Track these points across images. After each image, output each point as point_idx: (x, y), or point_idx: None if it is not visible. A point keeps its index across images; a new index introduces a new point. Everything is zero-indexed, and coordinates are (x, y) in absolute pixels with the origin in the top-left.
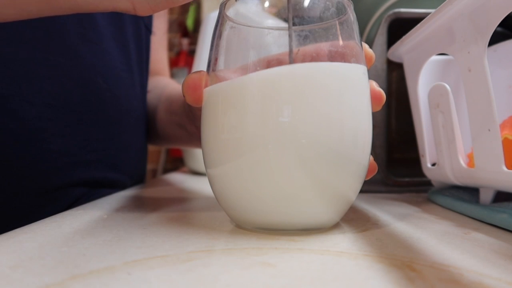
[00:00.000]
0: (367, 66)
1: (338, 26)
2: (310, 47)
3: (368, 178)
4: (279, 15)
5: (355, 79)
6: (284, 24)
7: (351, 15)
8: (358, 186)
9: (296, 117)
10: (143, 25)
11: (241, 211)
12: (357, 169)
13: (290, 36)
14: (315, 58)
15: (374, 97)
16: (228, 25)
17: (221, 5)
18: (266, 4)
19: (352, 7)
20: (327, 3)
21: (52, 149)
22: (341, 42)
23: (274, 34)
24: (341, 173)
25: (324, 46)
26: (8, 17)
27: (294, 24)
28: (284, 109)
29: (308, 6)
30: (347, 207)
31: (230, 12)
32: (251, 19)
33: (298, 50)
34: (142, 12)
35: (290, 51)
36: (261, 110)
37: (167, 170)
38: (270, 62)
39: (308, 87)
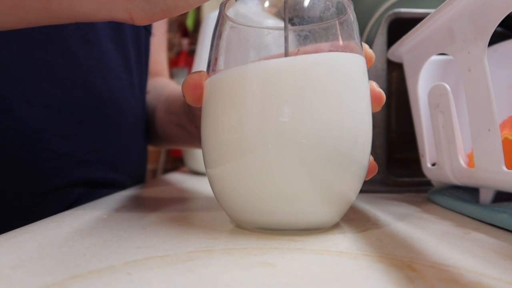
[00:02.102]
0: (367, 66)
1: (338, 26)
2: (310, 47)
3: (368, 178)
4: (279, 15)
5: (356, 72)
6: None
7: (351, 15)
8: (358, 186)
9: (296, 115)
10: (142, 27)
11: (241, 211)
12: (357, 169)
13: (286, 37)
14: None
15: (374, 97)
16: (228, 25)
17: (221, 5)
18: (266, 4)
19: (352, 7)
20: (327, 3)
21: (52, 149)
22: (341, 42)
23: (274, 34)
24: (341, 173)
25: (324, 46)
26: (6, 25)
27: (294, 24)
28: (284, 105)
29: (308, 6)
30: (347, 207)
31: (230, 12)
32: (251, 19)
33: (298, 50)
34: (139, 22)
35: (286, 52)
36: (261, 103)
37: (167, 170)
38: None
39: (308, 79)
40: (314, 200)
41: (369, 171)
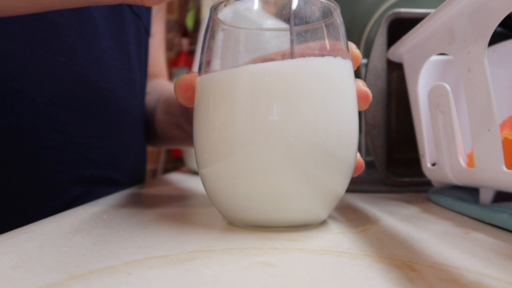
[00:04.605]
0: (353, 67)
1: (324, 28)
2: (297, 47)
3: (355, 175)
4: (278, 15)
5: (341, 74)
6: (281, 24)
7: (337, 18)
8: (345, 181)
9: (283, 117)
10: (143, 28)
11: (232, 209)
12: (343, 165)
13: (292, 40)
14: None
15: (360, 96)
16: (218, 27)
17: (211, 8)
18: (259, 6)
19: (338, 10)
20: (313, 7)
21: (52, 146)
22: (327, 43)
23: (266, 35)
24: (327, 170)
25: (312, 45)
26: (22, 10)
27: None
28: (272, 106)
29: (296, 9)
30: (335, 202)
31: (226, 12)
32: (250, 19)
33: (284, 53)
34: (149, 2)
35: (292, 53)
36: (251, 105)
37: (167, 170)
38: (263, 61)
39: (294, 82)
40: (302, 196)
41: (356, 168)
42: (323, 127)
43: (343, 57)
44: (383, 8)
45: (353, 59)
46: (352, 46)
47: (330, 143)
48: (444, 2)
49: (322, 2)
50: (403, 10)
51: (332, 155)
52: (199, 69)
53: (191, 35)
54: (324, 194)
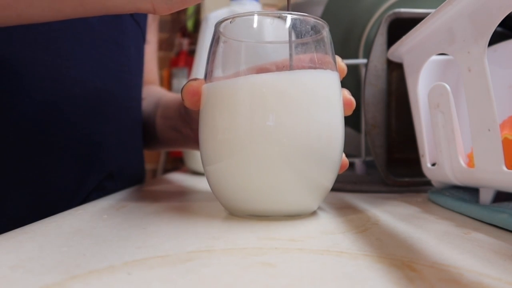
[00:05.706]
0: (340, 78)
1: (313, 44)
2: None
3: (341, 173)
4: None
5: (330, 85)
6: (280, 23)
7: (326, 35)
8: (332, 177)
9: (278, 120)
10: (141, 33)
11: (234, 201)
12: (330, 164)
13: (290, 55)
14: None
15: (345, 103)
16: (222, 41)
17: (216, 24)
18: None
19: (327, 28)
20: (307, 26)
21: (52, 142)
22: (317, 56)
23: (265, 47)
24: (316, 167)
25: (303, 57)
26: (46, 18)
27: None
28: (269, 113)
29: (290, 28)
30: (323, 195)
31: (234, 23)
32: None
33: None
34: (160, 11)
35: (291, 65)
36: (250, 112)
37: (167, 170)
38: (259, 70)
39: (288, 91)
40: (294, 189)
41: (341, 167)
42: (313, 131)
43: (332, 70)
44: (383, 8)
45: (340, 71)
46: (339, 59)
47: (318, 145)
48: (444, 2)
49: (313, 21)
50: (403, 10)
51: (320, 155)
52: (205, 77)
53: (191, 35)
54: (313, 188)
